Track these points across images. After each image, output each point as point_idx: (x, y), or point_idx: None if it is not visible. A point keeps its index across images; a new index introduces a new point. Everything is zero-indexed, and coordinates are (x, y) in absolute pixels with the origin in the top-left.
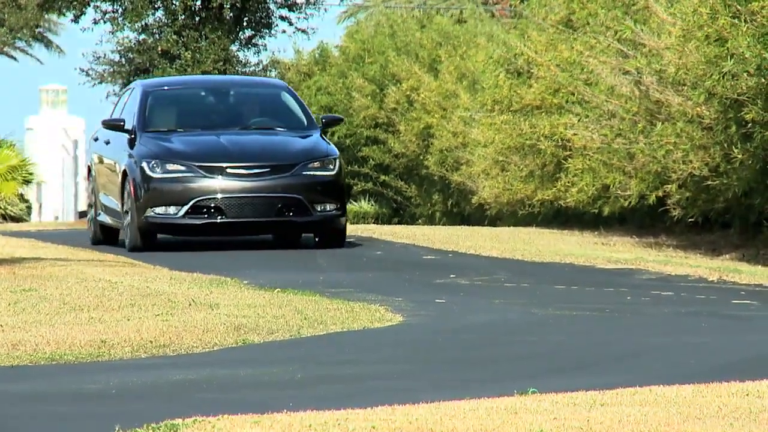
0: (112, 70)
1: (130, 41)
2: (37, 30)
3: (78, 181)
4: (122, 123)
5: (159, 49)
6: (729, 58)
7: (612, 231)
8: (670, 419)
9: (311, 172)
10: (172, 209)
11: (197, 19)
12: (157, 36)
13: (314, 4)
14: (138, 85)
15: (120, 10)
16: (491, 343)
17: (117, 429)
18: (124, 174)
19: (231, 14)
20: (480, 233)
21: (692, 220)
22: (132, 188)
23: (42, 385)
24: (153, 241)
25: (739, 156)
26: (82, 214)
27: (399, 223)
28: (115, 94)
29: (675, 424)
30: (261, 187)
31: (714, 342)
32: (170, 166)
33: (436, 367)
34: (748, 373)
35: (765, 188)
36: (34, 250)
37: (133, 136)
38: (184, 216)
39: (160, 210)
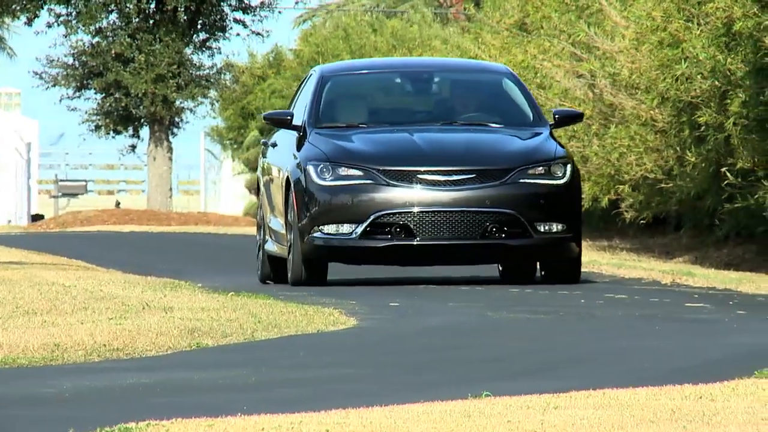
0: (65, 73)
1: (83, 44)
2: None
3: (30, 184)
4: (289, 118)
5: (113, 52)
6: (683, 61)
7: None
8: (624, 422)
9: (532, 180)
10: (345, 227)
11: (151, 22)
12: (111, 39)
13: (268, 7)
14: (316, 71)
15: (74, 13)
16: (446, 347)
17: None
18: (287, 183)
19: (185, 17)
20: None
21: (644, 222)
22: (295, 201)
23: None
24: (322, 270)
25: (692, 159)
26: (35, 218)
27: None
28: (68, 97)
29: (628, 427)
30: (463, 199)
31: (668, 345)
32: (344, 171)
33: (391, 371)
34: (701, 376)
35: (717, 191)
36: None
37: (302, 134)
38: (361, 236)
39: (330, 229)
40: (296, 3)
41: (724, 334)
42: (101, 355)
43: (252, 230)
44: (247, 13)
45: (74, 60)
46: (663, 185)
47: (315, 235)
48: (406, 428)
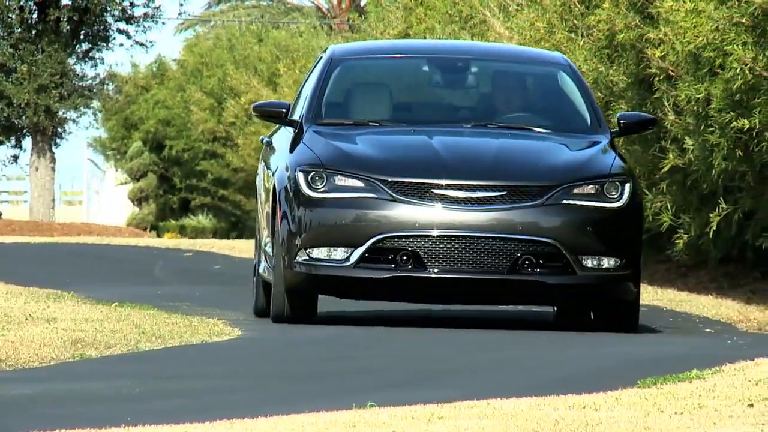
0: None
1: None
2: None
3: None
4: (283, 111)
5: None
6: None
7: None
8: None
9: (578, 202)
10: (339, 252)
11: (34, 32)
12: None
13: (152, 18)
14: (327, 52)
15: None
16: (331, 357)
17: None
18: (274, 194)
19: (68, 27)
20: None
21: None
22: (279, 215)
23: None
24: (309, 304)
25: None
26: None
27: (238, 237)
28: None
29: None
30: (489, 223)
31: (551, 355)
32: (341, 180)
33: (276, 381)
34: (585, 386)
35: None
36: None
37: (298, 131)
38: (357, 264)
39: (319, 253)
40: (179, 14)
41: (608, 344)
42: None
43: (134, 241)
44: (131, 24)
45: None
46: None
47: (300, 259)
48: (298, 430)
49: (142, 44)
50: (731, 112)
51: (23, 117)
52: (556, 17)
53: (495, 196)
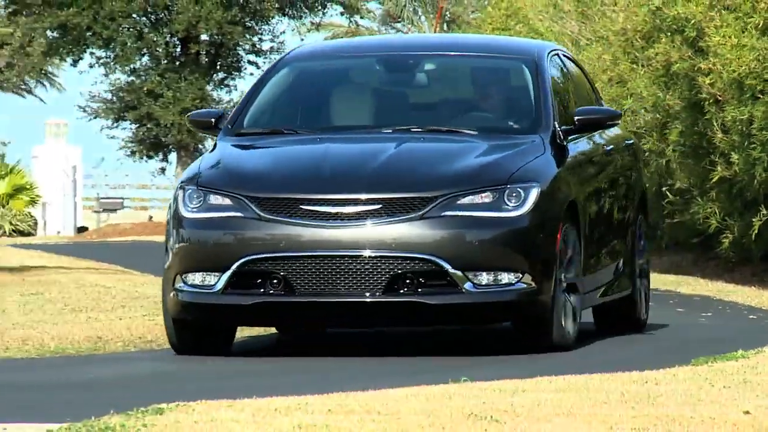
0: (105, 107)
1: (120, 82)
2: (42, 72)
3: (76, 201)
4: (212, 120)
5: (145, 88)
6: (629, 97)
7: None
8: (581, 403)
9: (467, 213)
10: (212, 278)
11: (177, 63)
12: (143, 78)
13: (277, 51)
14: (287, 54)
15: (112, 56)
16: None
17: (111, 413)
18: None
19: (206, 59)
20: None
21: None
22: (165, 238)
23: (49, 375)
24: (195, 335)
25: None
26: (80, 229)
27: None
28: (108, 127)
29: (585, 407)
30: (360, 240)
31: (618, 338)
32: (214, 199)
33: (376, 362)
34: (647, 364)
35: (659, 207)
36: (40, 260)
37: (216, 142)
38: (224, 290)
39: (195, 278)
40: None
41: (665, 328)
42: (137, 346)
43: None
44: (259, 56)
45: (113, 95)
46: None
47: (178, 286)
48: (396, 408)
49: None
50: None
51: (169, 135)
52: (620, 51)
53: (369, 211)
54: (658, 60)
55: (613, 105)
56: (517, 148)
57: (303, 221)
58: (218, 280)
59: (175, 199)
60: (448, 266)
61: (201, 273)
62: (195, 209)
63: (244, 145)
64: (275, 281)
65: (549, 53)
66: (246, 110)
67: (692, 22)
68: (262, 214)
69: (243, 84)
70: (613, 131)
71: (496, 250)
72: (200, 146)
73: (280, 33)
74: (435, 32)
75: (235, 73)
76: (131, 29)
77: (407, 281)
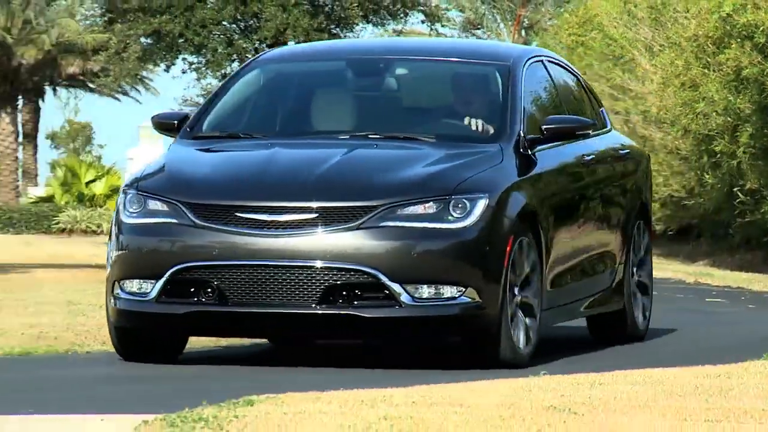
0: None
1: (212, 86)
2: (136, 77)
3: None
4: (175, 123)
5: None
6: (701, 100)
7: None
8: (656, 396)
9: (407, 224)
10: (147, 285)
11: None
12: None
13: None
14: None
15: (204, 62)
16: None
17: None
18: None
19: None
20: None
21: (671, 232)
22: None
23: (140, 370)
24: (135, 343)
25: (710, 180)
26: None
27: None
28: None
29: (660, 399)
30: (295, 249)
31: (692, 333)
32: (152, 204)
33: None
34: (719, 358)
35: (731, 207)
36: None
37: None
38: (157, 298)
39: (132, 286)
40: None
41: (738, 324)
42: (229, 340)
43: None
44: None
45: (204, 99)
46: (686, 202)
47: (116, 293)
48: (477, 400)
49: None
50: None
51: None
52: (692, 56)
53: (305, 219)
54: (729, 65)
55: (686, 108)
56: (471, 157)
57: (237, 229)
58: (152, 288)
59: (117, 203)
60: (384, 278)
61: (138, 280)
62: (134, 214)
63: (198, 149)
64: (209, 290)
65: (528, 60)
66: (207, 113)
67: (761, 28)
68: (196, 221)
69: None
70: (609, 139)
71: (436, 263)
72: None
73: None
74: (513, 40)
75: None
76: (222, 36)
77: (343, 293)
